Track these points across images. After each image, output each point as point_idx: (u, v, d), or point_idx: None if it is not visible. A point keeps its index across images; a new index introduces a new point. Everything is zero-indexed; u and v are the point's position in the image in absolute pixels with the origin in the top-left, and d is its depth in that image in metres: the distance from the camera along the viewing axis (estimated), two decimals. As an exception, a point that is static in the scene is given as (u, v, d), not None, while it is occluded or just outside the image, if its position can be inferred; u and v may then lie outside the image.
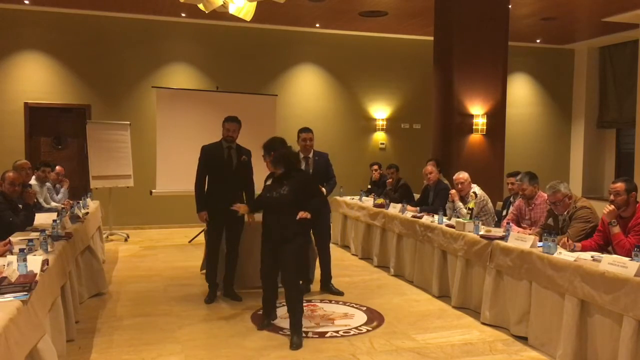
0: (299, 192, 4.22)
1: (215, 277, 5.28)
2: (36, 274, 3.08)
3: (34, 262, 3.19)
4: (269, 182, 4.40)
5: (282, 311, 4.87)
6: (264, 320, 4.51)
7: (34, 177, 6.70)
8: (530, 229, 4.94)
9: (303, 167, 5.33)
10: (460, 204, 5.85)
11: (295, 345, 4.03)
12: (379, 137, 10.89)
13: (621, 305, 3.27)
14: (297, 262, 4.24)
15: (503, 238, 4.54)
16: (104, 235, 7.88)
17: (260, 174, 5.17)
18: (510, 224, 4.91)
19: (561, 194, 4.45)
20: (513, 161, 9.44)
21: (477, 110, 7.62)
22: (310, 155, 5.44)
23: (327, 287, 5.57)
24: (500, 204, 6.37)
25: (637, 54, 9.56)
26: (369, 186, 8.75)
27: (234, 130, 5.20)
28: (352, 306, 5.09)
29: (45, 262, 3.33)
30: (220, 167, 5.18)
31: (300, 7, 8.62)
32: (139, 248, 7.98)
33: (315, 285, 5.66)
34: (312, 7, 8.70)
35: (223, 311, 4.93)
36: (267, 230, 4.32)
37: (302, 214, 4.11)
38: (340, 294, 5.44)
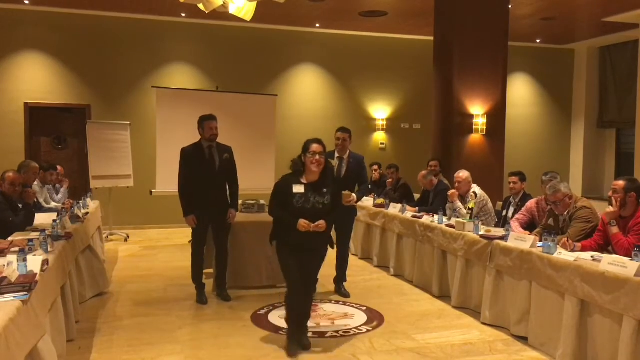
0: (335, 203, 3.96)
1: (201, 278, 5.22)
2: (36, 274, 3.08)
3: (34, 262, 3.19)
4: (299, 190, 3.81)
5: (281, 311, 4.87)
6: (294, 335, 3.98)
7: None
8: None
9: (337, 167, 5.23)
10: (460, 204, 5.84)
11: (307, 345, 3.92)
12: (379, 137, 10.89)
13: (621, 305, 3.27)
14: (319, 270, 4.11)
15: (503, 238, 4.54)
16: (104, 235, 7.87)
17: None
18: (511, 224, 4.89)
19: (561, 194, 4.45)
20: (513, 161, 9.44)
21: (477, 110, 7.62)
22: (345, 156, 5.29)
23: (337, 286, 5.53)
24: (500, 204, 6.37)
25: (637, 54, 9.56)
26: (369, 186, 8.73)
27: (216, 127, 5.10)
28: (352, 306, 5.09)
29: (45, 262, 3.32)
30: (203, 168, 5.07)
31: (300, 7, 8.62)
32: (139, 248, 7.97)
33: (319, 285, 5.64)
34: (312, 7, 8.70)
35: (223, 311, 4.93)
36: (297, 239, 3.81)
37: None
38: (347, 296, 5.39)
